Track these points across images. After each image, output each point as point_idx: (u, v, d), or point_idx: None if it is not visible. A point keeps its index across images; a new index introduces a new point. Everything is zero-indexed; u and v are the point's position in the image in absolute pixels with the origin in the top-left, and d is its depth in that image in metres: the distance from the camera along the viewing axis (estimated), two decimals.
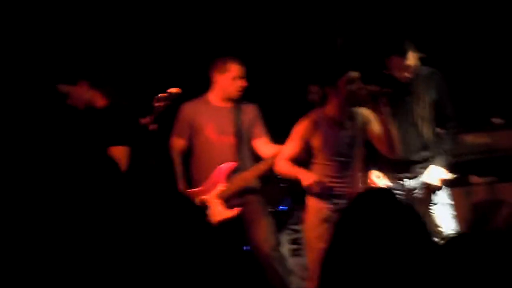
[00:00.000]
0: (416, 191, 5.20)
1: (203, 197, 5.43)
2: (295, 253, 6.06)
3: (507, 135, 6.58)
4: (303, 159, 4.87)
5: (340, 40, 6.53)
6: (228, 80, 5.34)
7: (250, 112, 5.47)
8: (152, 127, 4.83)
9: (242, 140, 5.42)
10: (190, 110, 5.45)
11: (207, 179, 5.39)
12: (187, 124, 5.43)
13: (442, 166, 5.19)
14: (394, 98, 4.96)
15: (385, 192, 2.32)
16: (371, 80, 4.70)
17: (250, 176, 5.36)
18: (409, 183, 5.19)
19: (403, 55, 5.04)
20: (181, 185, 5.45)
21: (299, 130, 4.77)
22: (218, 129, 5.39)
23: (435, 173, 5.16)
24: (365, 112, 4.77)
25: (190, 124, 5.43)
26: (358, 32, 6.64)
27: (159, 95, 4.82)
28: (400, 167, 5.17)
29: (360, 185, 4.86)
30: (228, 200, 5.40)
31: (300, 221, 6.00)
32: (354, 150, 4.77)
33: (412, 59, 5.07)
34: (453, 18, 6.77)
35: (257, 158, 5.48)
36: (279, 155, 4.89)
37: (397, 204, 2.22)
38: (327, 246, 2.22)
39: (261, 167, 5.34)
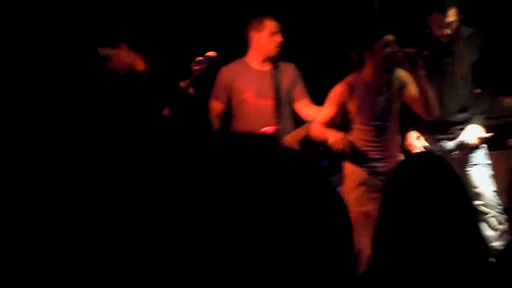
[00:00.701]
0: (455, 152, 5.19)
1: None
2: None
3: None
4: (340, 124, 4.86)
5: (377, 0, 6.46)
6: (266, 37, 5.32)
7: (289, 73, 5.46)
8: (190, 90, 4.84)
9: (281, 103, 5.41)
10: (229, 73, 5.44)
11: None
12: (226, 87, 5.43)
13: (480, 125, 5.16)
14: (434, 58, 4.93)
15: (430, 156, 2.31)
16: (410, 41, 4.66)
17: (290, 140, 5.36)
18: (447, 144, 5.18)
19: (444, 12, 4.99)
20: None
21: (335, 94, 4.76)
22: (257, 93, 5.39)
23: (473, 132, 5.14)
24: (401, 75, 4.74)
25: (229, 88, 5.43)
26: None
27: (197, 58, 4.82)
28: (439, 128, 5.16)
29: (398, 148, 4.85)
30: None
31: (338, 184, 6.01)
32: (390, 114, 4.75)
33: (453, 16, 5.01)
34: None
35: (297, 121, 5.48)
36: (315, 120, 4.89)
37: (443, 168, 2.22)
38: (378, 215, 2.22)
39: (301, 131, 5.34)
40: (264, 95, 5.39)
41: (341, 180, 5.10)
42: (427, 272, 2.06)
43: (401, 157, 4.76)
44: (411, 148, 5.17)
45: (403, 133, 5.18)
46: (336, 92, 4.75)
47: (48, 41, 5.65)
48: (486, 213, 5.14)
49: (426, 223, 2.10)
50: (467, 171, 5.15)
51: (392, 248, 2.13)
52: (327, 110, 4.79)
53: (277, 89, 5.40)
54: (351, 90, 4.70)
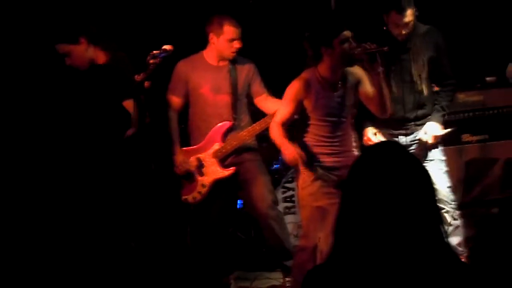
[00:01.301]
0: (412, 147, 5.22)
1: (199, 155, 5.43)
2: (289, 211, 6.10)
3: (499, 93, 6.61)
4: (297, 120, 4.84)
5: None
6: (224, 42, 5.30)
7: (246, 69, 5.46)
8: (146, 84, 4.78)
9: (238, 98, 5.42)
10: (186, 68, 5.43)
11: (203, 137, 5.40)
12: (183, 82, 5.43)
13: (439, 123, 5.20)
14: (391, 55, 4.95)
15: (390, 145, 2.30)
16: (368, 38, 4.65)
17: (246, 135, 5.37)
18: (404, 140, 5.21)
19: (402, 12, 5.00)
20: (175, 142, 5.45)
21: (292, 92, 4.72)
22: (213, 88, 5.38)
23: (432, 130, 5.18)
24: (357, 71, 4.73)
25: (186, 83, 5.42)
26: None
27: (153, 52, 4.76)
28: (396, 124, 5.19)
29: (353, 143, 4.85)
30: (224, 159, 5.41)
31: (293, 179, 6.02)
32: (345, 110, 4.74)
33: (410, 16, 5.04)
34: None
35: (255, 115, 5.48)
36: (274, 119, 4.85)
37: (404, 156, 2.21)
38: (339, 207, 2.21)
39: (256, 127, 5.34)
40: (221, 90, 5.38)
41: (296, 175, 5.11)
42: (387, 263, 2.06)
43: (357, 152, 4.77)
44: (369, 144, 5.18)
45: (361, 128, 5.19)
46: (293, 90, 4.72)
47: (6, 38, 5.57)
48: (441, 209, 5.18)
49: (389, 212, 2.09)
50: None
51: (353, 240, 2.12)
52: (284, 109, 4.75)
53: (233, 84, 5.40)
54: (307, 86, 4.67)
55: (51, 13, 5.40)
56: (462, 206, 5.48)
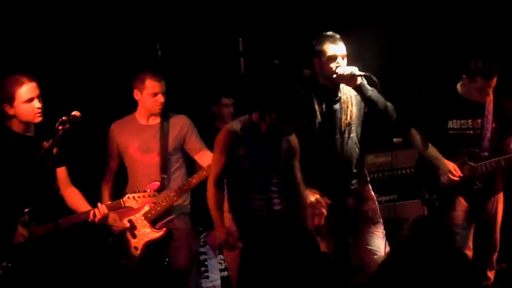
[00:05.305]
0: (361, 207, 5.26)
1: (131, 217, 5.33)
2: (201, 275, 6.06)
3: (406, 154, 6.77)
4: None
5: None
6: (147, 97, 5.32)
7: (180, 126, 5.43)
8: (54, 150, 4.71)
9: (167, 157, 5.39)
10: (116, 129, 5.44)
11: None
12: (114, 143, 5.44)
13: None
14: (326, 108, 4.96)
15: (285, 217, 2.33)
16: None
17: (174, 196, 5.32)
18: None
19: (334, 59, 4.90)
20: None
21: (220, 141, 4.67)
22: (142, 148, 5.38)
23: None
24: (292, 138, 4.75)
25: (116, 144, 5.43)
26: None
27: (62, 118, 4.70)
28: (340, 180, 5.15)
29: (280, 202, 4.80)
30: (156, 220, 5.33)
31: (205, 243, 6.01)
32: (277, 167, 4.73)
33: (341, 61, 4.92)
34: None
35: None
36: (210, 178, 4.73)
37: (297, 230, 2.23)
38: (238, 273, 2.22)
39: (184, 187, 5.34)
40: (149, 150, 5.38)
41: (209, 239, 5.07)
42: None
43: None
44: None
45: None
46: (220, 138, 4.67)
47: None
48: None
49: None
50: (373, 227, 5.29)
51: None
52: (217, 162, 4.67)
53: (163, 143, 5.36)
54: (238, 136, 4.63)
55: None
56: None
